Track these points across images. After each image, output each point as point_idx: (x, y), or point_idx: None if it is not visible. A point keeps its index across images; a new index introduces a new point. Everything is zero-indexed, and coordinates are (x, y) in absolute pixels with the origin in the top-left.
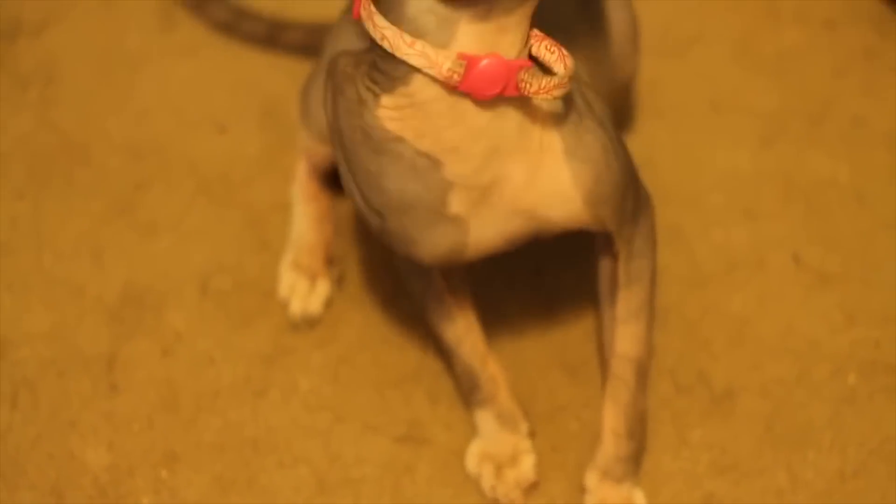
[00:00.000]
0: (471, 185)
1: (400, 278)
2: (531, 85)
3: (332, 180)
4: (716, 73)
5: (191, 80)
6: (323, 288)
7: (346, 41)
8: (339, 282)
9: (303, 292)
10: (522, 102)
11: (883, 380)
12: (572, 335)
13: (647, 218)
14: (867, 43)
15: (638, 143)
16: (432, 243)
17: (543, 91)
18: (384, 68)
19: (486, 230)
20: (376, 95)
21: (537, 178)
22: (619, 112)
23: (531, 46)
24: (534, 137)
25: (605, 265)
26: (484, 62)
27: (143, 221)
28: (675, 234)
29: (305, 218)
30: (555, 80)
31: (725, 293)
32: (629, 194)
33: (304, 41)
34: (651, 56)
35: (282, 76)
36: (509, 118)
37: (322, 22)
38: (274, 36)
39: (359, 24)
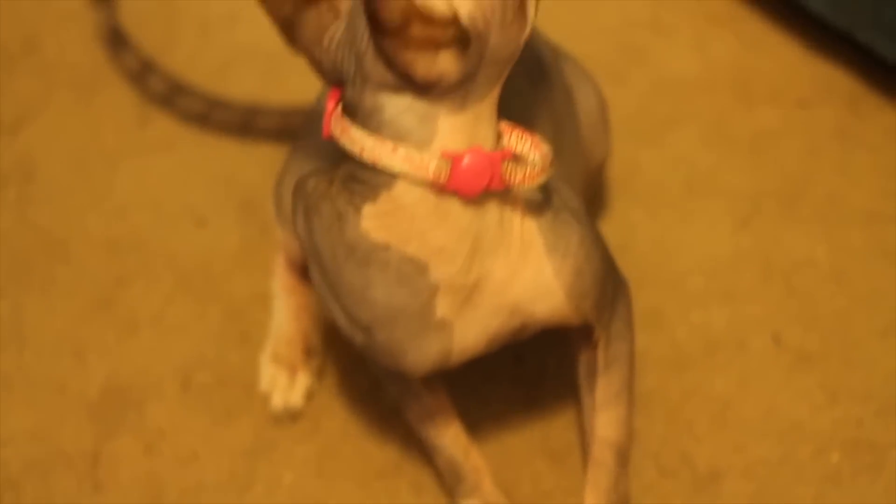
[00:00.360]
0: (457, 285)
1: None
2: (515, 175)
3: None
4: (691, 156)
5: (168, 175)
6: (303, 380)
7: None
8: (319, 374)
9: (284, 385)
10: (502, 196)
11: (866, 458)
12: (555, 422)
13: (625, 302)
14: (840, 122)
15: (616, 228)
16: (420, 353)
17: (528, 180)
18: (364, 178)
19: (471, 332)
20: (357, 207)
21: (519, 274)
22: (594, 196)
23: (503, 138)
24: (514, 232)
25: (582, 351)
26: (467, 158)
27: (123, 317)
28: (654, 318)
29: (284, 311)
30: (536, 168)
31: (707, 375)
32: (608, 283)
33: (280, 126)
34: (626, 141)
35: (259, 167)
36: (491, 213)
37: (296, 106)
38: (248, 123)
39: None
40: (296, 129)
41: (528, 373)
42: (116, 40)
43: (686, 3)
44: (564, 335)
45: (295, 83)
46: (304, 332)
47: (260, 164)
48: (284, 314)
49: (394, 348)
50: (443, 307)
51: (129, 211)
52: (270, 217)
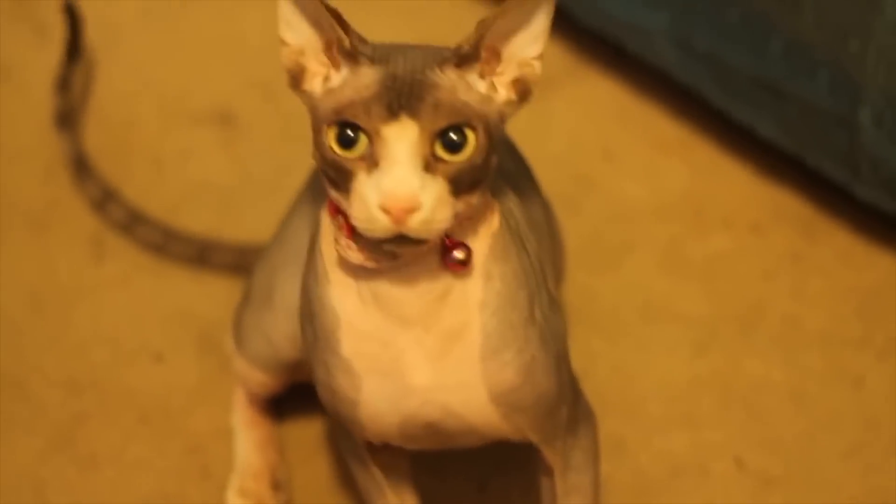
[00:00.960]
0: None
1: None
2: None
3: (274, 404)
4: (647, 282)
5: (124, 311)
6: None
7: (282, 266)
8: None
9: None
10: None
11: None
12: None
13: (588, 434)
14: (794, 246)
15: (575, 355)
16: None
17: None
18: None
19: (378, 405)
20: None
21: (438, 363)
22: None
23: None
24: (445, 320)
25: (545, 481)
26: None
27: (83, 455)
28: (617, 444)
29: (248, 444)
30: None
31: (671, 501)
32: (562, 408)
33: (236, 261)
34: (581, 268)
35: (215, 301)
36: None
37: (252, 243)
38: (204, 256)
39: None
40: (249, 267)
41: (492, 500)
42: (81, 168)
43: (635, 131)
44: (528, 461)
45: (249, 219)
46: (270, 464)
47: (216, 298)
48: (249, 448)
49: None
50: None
51: (87, 348)
52: (228, 350)
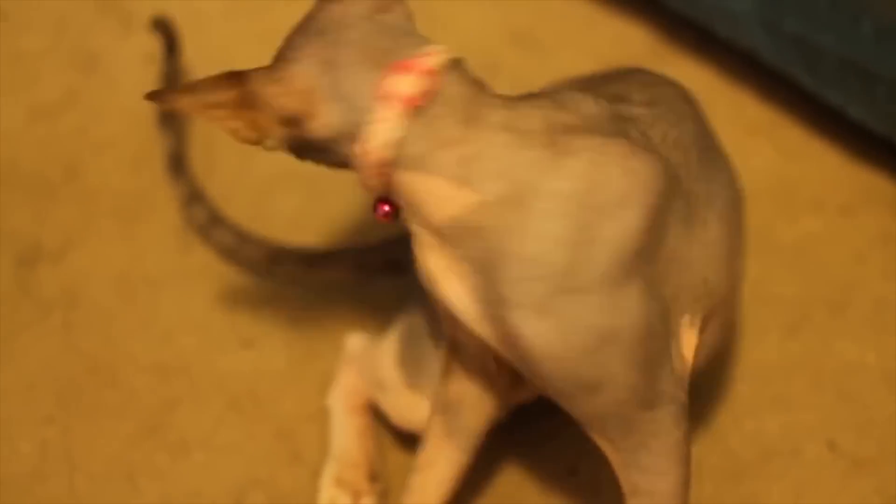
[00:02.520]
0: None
1: None
2: None
3: None
4: None
5: (213, 298)
6: None
7: None
8: (383, 499)
9: None
10: None
11: None
12: None
13: (668, 429)
14: (885, 227)
15: None
16: None
17: None
18: None
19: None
20: None
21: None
22: None
23: None
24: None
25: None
26: None
27: (173, 440)
28: (706, 427)
29: (348, 431)
30: None
31: (763, 484)
32: (603, 395)
33: (302, 273)
34: None
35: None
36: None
37: (321, 249)
38: (273, 266)
39: None
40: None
41: (582, 485)
42: (176, 165)
43: (723, 114)
44: None
45: (335, 208)
46: (368, 456)
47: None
48: (348, 436)
49: None
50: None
51: (176, 335)
52: (318, 331)
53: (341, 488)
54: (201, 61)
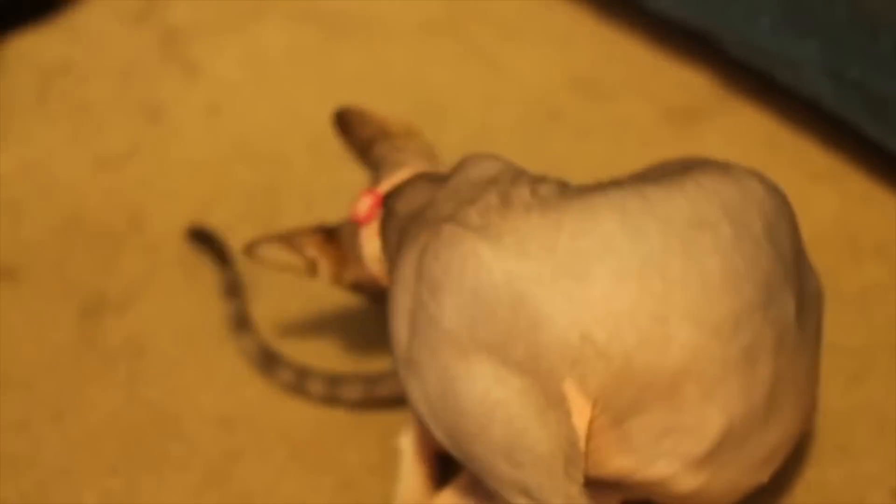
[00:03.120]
0: None
1: None
2: None
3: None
4: None
5: (276, 346)
6: None
7: None
8: None
9: None
10: None
11: None
12: None
13: None
14: None
15: None
16: None
17: None
18: None
19: None
20: None
21: None
22: None
23: None
24: None
25: None
26: None
27: (237, 491)
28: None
29: (413, 479)
30: None
31: None
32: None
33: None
34: None
35: (365, 335)
36: None
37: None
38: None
39: None
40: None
41: None
42: (267, 361)
43: (786, 160)
44: None
45: None
46: None
47: (366, 331)
48: (414, 484)
49: None
50: None
51: (238, 385)
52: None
53: None
54: (266, 107)
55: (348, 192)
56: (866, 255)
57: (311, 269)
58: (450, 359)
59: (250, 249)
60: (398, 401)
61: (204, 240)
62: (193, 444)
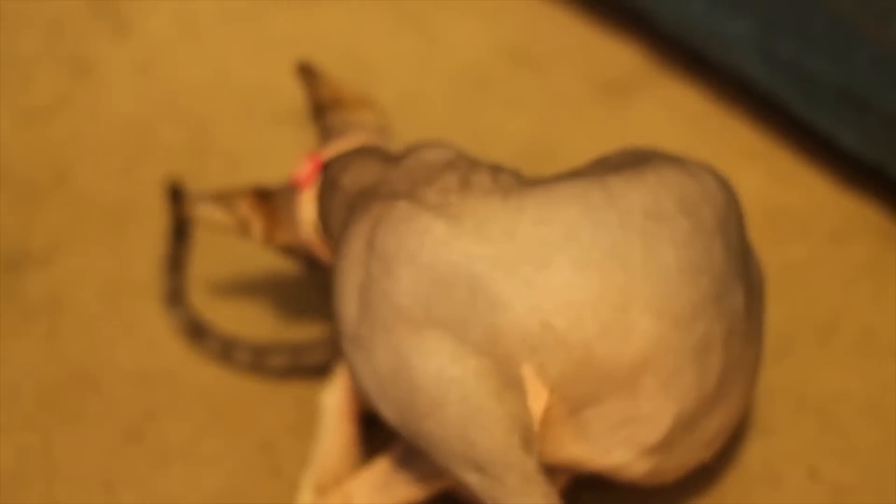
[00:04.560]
0: None
1: None
2: None
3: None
4: None
5: (197, 306)
6: None
7: None
8: None
9: None
10: None
11: None
12: None
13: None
14: (873, 255)
15: None
16: None
17: None
18: None
19: None
20: None
21: None
22: None
23: None
24: None
25: None
26: None
27: (154, 450)
28: None
29: (336, 437)
30: None
31: None
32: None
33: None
34: None
35: (288, 298)
36: None
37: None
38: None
39: None
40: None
41: None
42: (197, 332)
43: (714, 137)
44: None
45: None
46: (352, 468)
47: (287, 295)
48: (335, 442)
49: None
50: None
51: (160, 343)
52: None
53: (319, 496)
54: (197, 67)
55: (276, 155)
56: (790, 235)
57: (244, 228)
58: (403, 335)
59: (186, 209)
60: (323, 370)
61: (175, 201)
62: (111, 401)
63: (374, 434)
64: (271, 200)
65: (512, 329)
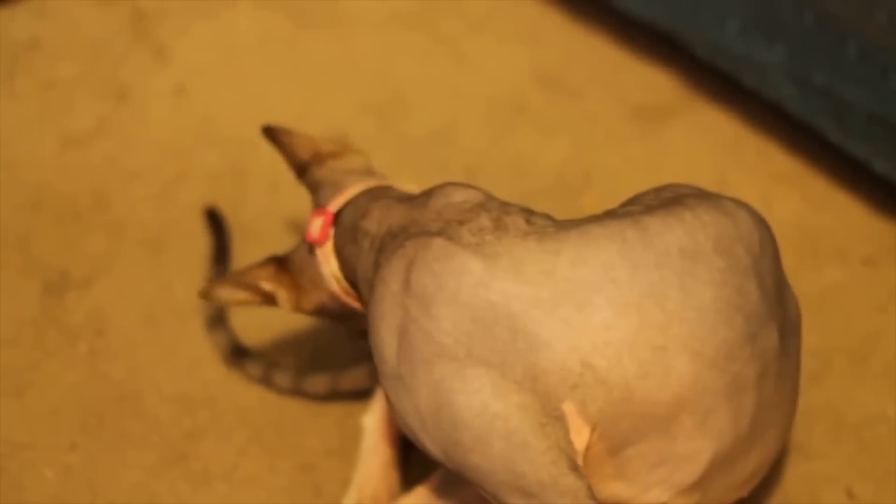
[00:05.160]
0: None
1: None
2: None
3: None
4: None
5: (239, 329)
6: None
7: None
8: None
9: None
10: None
11: None
12: None
13: None
14: None
15: None
16: None
17: None
18: None
19: None
20: None
21: None
22: None
23: None
24: None
25: None
26: None
27: (195, 471)
28: None
29: (376, 460)
30: None
31: None
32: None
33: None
34: None
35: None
36: None
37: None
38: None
39: None
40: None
41: None
42: (237, 355)
43: (749, 162)
44: None
45: None
46: (391, 491)
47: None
48: (375, 465)
49: None
50: None
51: (200, 366)
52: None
53: None
54: (234, 92)
55: None
56: (826, 258)
57: (270, 300)
58: (445, 373)
59: (205, 294)
60: (361, 394)
61: (215, 226)
62: (153, 423)
63: (414, 457)
64: (290, 267)
65: (552, 367)
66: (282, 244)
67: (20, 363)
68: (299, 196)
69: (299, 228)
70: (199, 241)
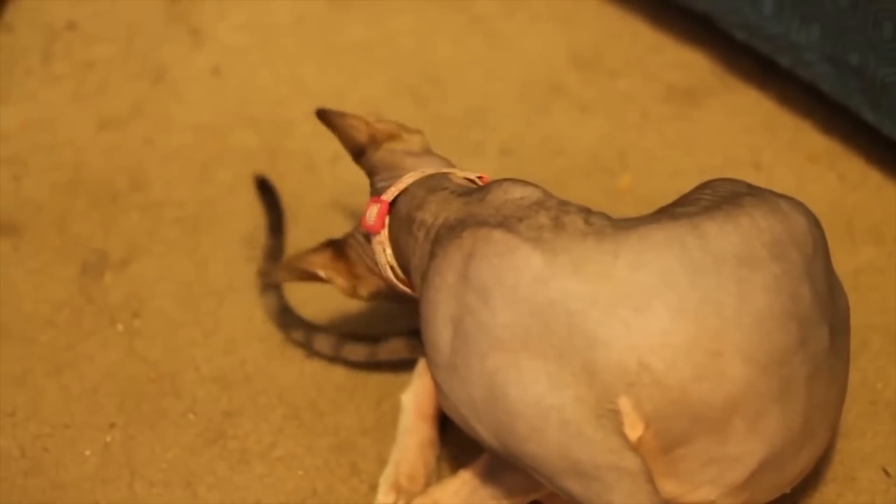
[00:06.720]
0: None
1: None
2: None
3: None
4: None
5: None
6: None
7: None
8: None
9: None
10: None
11: None
12: None
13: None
14: None
15: None
16: None
17: None
18: None
19: None
20: None
21: None
22: None
23: None
24: None
25: None
26: None
27: (233, 450)
28: None
29: (413, 438)
30: None
31: None
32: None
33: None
34: None
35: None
36: None
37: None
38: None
39: None
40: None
41: None
42: (286, 315)
43: (785, 141)
44: None
45: None
46: (428, 467)
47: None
48: (412, 443)
49: None
50: None
51: (237, 345)
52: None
53: (398, 494)
54: (269, 73)
55: (347, 159)
56: (861, 237)
57: (328, 281)
58: (500, 364)
59: (265, 282)
60: (396, 365)
61: (268, 196)
62: (190, 402)
63: (451, 437)
64: (346, 254)
65: (609, 365)
66: (317, 223)
67: (58, 343)
68: (334, 176)
69: (335, 207)
70: (236, 222)
